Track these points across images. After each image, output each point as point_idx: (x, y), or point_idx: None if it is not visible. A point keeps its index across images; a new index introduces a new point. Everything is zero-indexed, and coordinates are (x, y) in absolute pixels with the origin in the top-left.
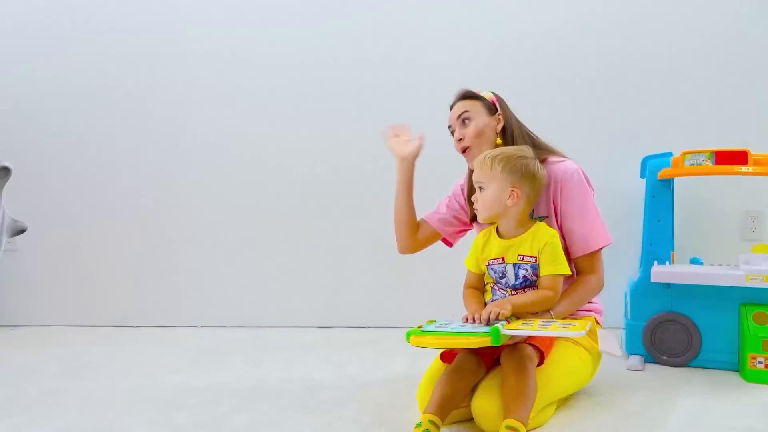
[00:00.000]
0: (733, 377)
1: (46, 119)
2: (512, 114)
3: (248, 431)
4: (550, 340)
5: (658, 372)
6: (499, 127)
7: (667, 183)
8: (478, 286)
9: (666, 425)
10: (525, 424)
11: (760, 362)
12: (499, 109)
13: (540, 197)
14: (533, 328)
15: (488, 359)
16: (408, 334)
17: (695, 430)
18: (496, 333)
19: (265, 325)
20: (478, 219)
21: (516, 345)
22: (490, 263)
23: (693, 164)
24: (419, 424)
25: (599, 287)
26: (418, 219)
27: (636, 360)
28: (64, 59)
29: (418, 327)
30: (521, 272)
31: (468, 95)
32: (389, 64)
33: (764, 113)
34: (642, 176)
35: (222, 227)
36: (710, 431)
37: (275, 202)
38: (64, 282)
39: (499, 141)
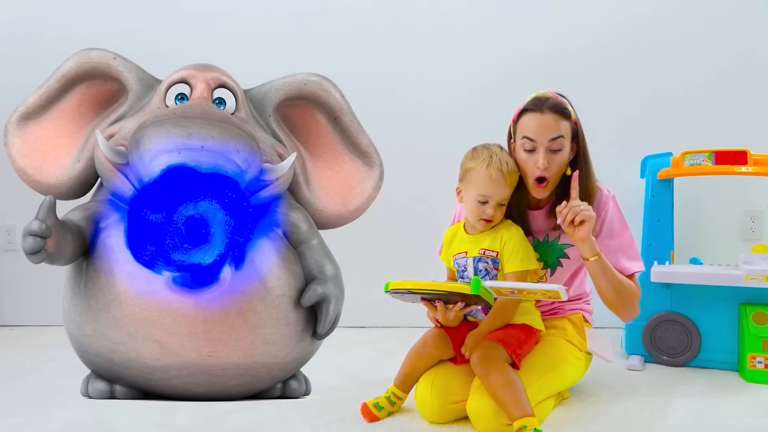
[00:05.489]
0: (733, 377)
1: None
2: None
3: (248, 431)
4: (524, 342)
5: (658, 372)
6: (571, 155)
7: (667, 183)
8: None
9: (666, 425)
10: (531, 414)
11: (759, 362)
12: (579, 135)
13: None
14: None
15: (458, 342)
16: (387, 284)
17: (695, 430)
18: (477, 282)
19: None
20: (538, 197)
21: (479, 346)
22: (456, 257)
23: (693, 164)
24: (386, 395)
25: (637, 296)
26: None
27: (636, 360)
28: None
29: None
30: (481, 265)
31: (562, 110)
32: (396, 70)
33: (764, 113)
34: (642, 176)
35: None
36: (710, 431)
37: None
38: None
39: (568, 172)
